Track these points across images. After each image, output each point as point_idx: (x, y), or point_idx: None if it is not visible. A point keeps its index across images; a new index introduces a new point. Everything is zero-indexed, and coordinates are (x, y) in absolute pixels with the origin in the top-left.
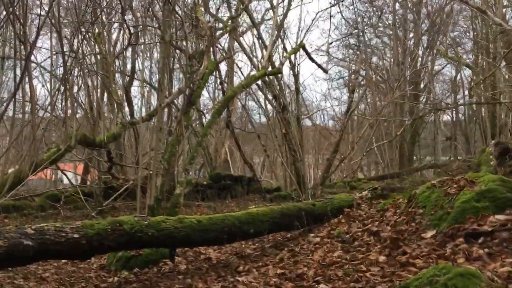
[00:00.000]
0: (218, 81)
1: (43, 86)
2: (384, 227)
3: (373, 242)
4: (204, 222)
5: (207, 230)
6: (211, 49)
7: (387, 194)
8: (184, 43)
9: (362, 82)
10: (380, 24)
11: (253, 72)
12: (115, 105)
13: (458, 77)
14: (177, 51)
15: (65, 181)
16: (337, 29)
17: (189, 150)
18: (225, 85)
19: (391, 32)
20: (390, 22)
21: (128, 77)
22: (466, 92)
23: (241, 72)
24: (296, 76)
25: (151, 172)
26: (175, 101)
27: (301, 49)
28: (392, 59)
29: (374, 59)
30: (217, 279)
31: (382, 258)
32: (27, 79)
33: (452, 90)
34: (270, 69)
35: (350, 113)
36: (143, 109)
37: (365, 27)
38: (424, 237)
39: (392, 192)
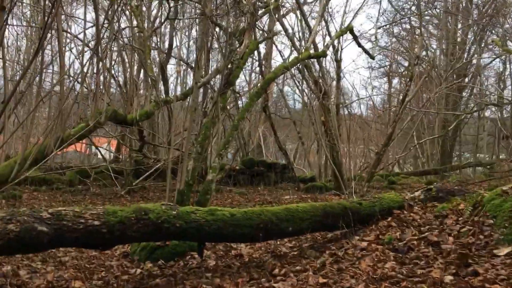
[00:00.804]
0: (257, 63)
1: (76, 58)
2: (446, 238)
3: (432, 255)
4: (238, 216)
5: (241, 225)
6: (253, 27)
7: (443, 197)
8: (225, 19)
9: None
10: (427, 12)
11: (293, 55)
12: (150, 82)
13: (507, 71)
14: (217, 29)
15: (99, 156)
16: (383, 15)
17: (223, 133)
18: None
19: (436, 22)
20: (438, 10)
21: (165, 54)
22: None
23: (281, 55)
24: (338, 61)
25: (183, 153)
26: (211, 81)
27: (345, 34)
28: (439, 50)
29: (417, 49)
30: (249, 281)
31: (448, 278)
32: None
33: (499, 85)
34: (313, 51)
35: (407, 103)
36: (178, 88)
37: (412, 15)
38: (496, 254)
39: (450, 195)
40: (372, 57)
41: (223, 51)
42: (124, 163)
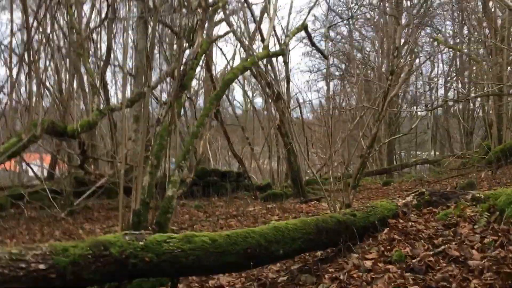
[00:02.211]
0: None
1: (3, 65)
2: (469, 252)
3: (460, 274)
4: (220, 242)
5: (225, 253)
6: (205, 24)
7: (437, 201)
8: (175, 17)
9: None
10: (361, 16)
11: (237, 57)
12: (90, 89)
13: (434, 72)
14: (158, 30)
15: (31, 173)
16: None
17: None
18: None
19: (372, 26)
20: (374, 13)
21: (103, 60)
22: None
23: (225, 58)
24: (286, 63)
25: (130, 166)
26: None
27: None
28: (376, 51)
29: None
30: None
31: None
32: None
33: (429, 84)
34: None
35: (390, 100)
36: (119, 95)
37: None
38: None
39: (444, 198)
40: (326, 57)
41: (177, 51)
42: (63, 180)
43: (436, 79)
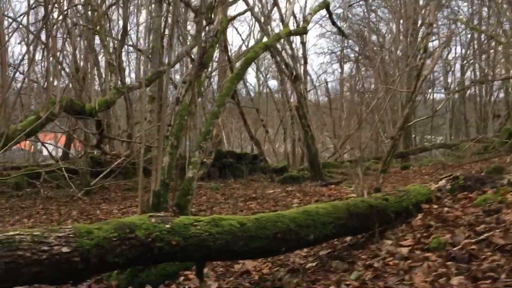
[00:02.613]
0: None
1: (19, 42)
2: None
3: (508, 265)
4: (249, 225)
5: (254, 237)
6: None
7: (472, 185)
8: None
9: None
10: None
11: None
12: (108, 67)
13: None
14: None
15: (45, 152)
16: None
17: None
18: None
19: (389, 8)
20: None
21: (119, 39)
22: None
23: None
24: (304, 43)
25: (155, 147)
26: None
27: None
28: (391, 34)
29: (431, 16)
30: None
31: None
32: None
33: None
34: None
35: (424, 79)
36: (133, 75)
37: None
38: None
39: (479, 183)
40: (346, 36)
41: (196, 29)
42: (78, 160)
43: (453, 62)
